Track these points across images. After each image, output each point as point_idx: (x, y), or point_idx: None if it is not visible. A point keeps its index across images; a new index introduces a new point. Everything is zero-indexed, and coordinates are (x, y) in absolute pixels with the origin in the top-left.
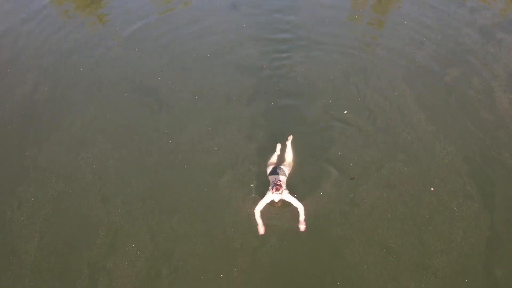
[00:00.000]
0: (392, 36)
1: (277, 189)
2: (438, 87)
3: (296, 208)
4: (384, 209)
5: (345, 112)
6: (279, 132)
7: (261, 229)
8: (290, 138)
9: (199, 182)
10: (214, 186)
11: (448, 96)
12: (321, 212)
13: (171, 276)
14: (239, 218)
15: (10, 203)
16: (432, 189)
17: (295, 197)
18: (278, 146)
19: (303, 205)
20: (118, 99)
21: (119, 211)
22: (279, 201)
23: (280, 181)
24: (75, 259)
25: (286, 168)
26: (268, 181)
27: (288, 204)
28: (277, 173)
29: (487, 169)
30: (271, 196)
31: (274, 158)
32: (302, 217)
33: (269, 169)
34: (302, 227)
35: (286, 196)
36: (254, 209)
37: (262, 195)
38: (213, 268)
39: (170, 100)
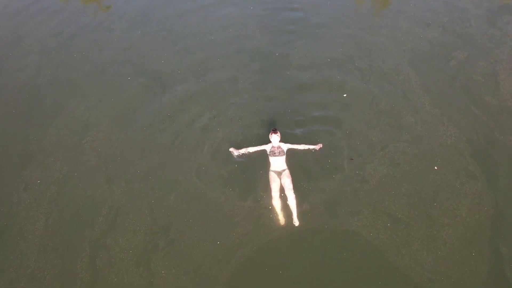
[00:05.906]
0: (398, 18)
1: (274, 132)
2: (443, 71)
3: (298, 149)
4: (390, 186)
5: (345, 95)
6: (282, 116)
7: (235, 150)
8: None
9: (200, 161)
10: (215, 165)
11: (453, 80)
12: (330, 189)
13: (167, 248)
14: (240, 194)
15: (16, 186)
16: (435, 168)
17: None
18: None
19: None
20: (122, 82)
21: (122, 191)
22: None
23: (275, 128)
24: (78, 238)
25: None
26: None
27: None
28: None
29: (490, 150)
30: (269, 144)
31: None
32: (309, 146)
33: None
34: (317, 146)
35: (284, 145)
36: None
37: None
38: (210, 237)
39: (174, 83)
